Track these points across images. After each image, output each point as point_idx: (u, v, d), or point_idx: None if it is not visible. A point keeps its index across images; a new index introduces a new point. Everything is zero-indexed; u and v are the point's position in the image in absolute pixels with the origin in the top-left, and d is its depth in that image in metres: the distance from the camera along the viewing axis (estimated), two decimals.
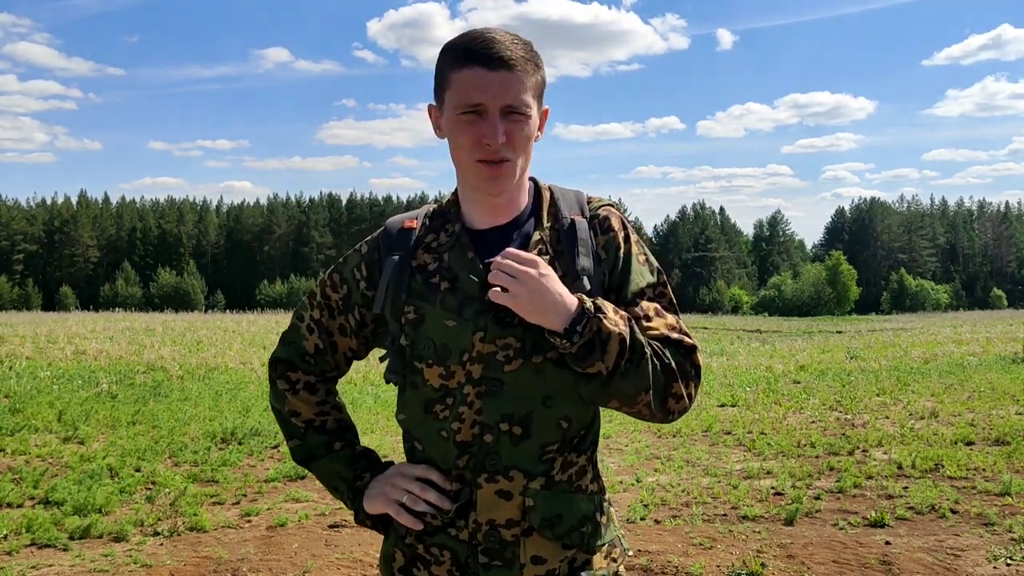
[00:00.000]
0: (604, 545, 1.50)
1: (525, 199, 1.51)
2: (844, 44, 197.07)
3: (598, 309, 1.34)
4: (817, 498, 5.62)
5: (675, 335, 1.44)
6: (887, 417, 9.01)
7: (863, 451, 7.20)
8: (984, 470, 6.28)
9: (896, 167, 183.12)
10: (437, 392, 1.44)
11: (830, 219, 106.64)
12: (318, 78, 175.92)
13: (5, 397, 9.99)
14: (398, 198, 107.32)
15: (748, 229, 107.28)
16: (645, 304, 1.45)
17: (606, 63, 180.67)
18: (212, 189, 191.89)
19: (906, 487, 5.85)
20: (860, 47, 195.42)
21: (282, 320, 36.22)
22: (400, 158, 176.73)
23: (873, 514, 5.13)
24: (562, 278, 1.39)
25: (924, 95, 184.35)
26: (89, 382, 11.59)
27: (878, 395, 10.78)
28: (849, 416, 9.19)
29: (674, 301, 1.52)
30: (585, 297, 1.35)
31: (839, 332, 32.39)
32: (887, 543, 4.66)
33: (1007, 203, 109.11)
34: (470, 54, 1.37)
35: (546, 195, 1.53)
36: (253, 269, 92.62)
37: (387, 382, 1.53)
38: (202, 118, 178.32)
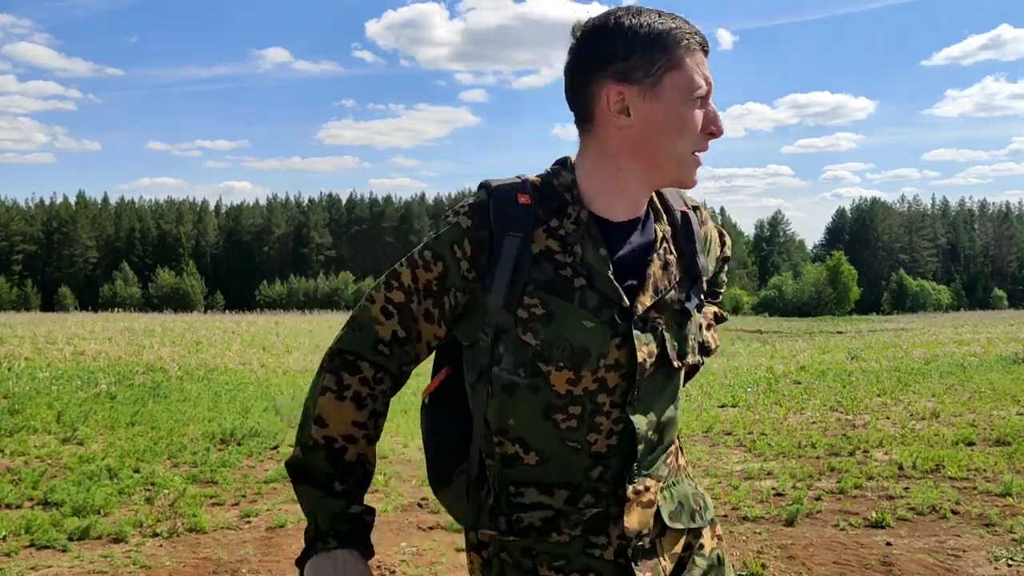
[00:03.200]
0: (712, 521, 1.49)
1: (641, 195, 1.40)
2: (844, 44, 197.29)
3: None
4: (818, 499, 5.61)
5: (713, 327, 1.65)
6: (888, 418, 9.00)
7: (864, 452, 7.19)
8: (985, 471, 6.27)
9: (896, 167, 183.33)
10: (561, 399, 1.29)
11: (831, 219, 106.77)
12: (317, 78, 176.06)
13: (4, 398, 9.98)
14: (399, 198, 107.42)
15: (748, 229, 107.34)
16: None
17: None
18: (211, 189, 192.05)
19: (907, 488, 5.84)
20: (860, 47, 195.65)
21: (282, 320, 36.19)
22: (400, 158, 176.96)
23: (874, 515, 5.12)
24: (681, 279, 1.36)
25: (924, 95, 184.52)
26: (88, 383, 11.58)
27: (879, 396, 10.77)
28: (850, 417, 9.18)
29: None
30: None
31: (840, 332, 32.39)
32: (888, 544, 4.64)
33: (1008, 203, 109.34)
34: (698, 39, 1.30)
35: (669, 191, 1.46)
36: (252, 270, 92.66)
37: (498, 385, 1.30)
38: (201, 118, 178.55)
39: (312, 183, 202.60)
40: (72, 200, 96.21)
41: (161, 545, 4.70)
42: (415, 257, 1.34)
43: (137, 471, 6.37)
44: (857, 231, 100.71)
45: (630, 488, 1.32)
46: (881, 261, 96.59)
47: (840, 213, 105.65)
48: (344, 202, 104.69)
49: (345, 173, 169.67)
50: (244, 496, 5.79)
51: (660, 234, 1.38)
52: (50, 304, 73.05)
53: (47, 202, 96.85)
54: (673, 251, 1.39)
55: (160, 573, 4.27)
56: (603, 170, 1.34)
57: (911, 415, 9.11)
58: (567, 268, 1.30)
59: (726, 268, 1.71)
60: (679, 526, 1.39)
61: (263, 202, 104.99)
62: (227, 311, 60.62)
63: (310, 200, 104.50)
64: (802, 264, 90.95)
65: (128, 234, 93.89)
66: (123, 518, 5.10)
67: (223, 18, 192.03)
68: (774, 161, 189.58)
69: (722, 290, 1.73)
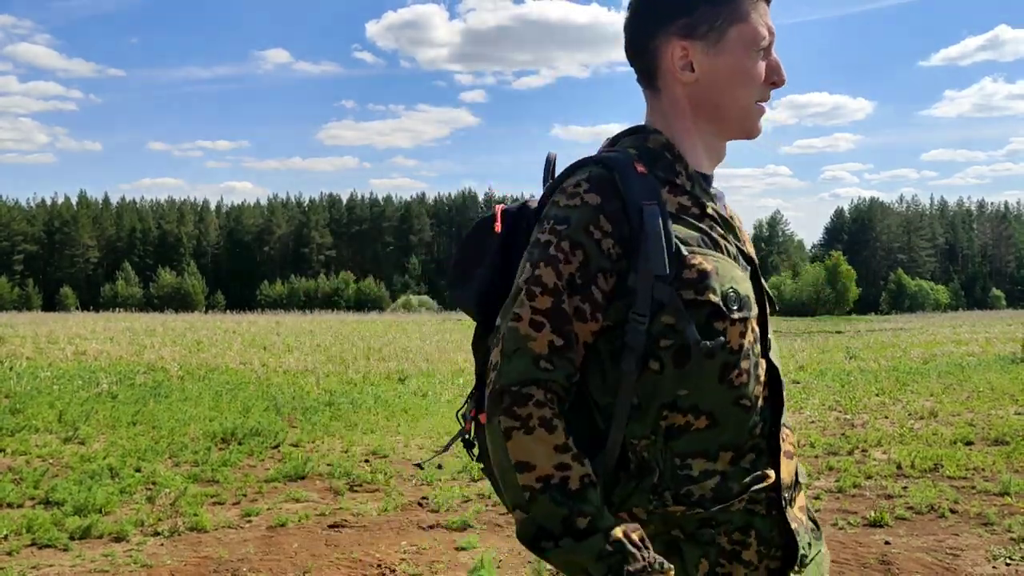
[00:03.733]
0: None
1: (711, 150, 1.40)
2: (842, 45, 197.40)
3: None
4: (816, 498, 5.63)
5: None
6: (886, 417, 9.02)
7: (862, 451, 7.21)
8: (983, 470, 6.29)
9: (895, 167, 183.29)
10: (734, 355, 1.23)
11: (829, 219, 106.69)
12: (318, 79, 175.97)
13: (5, 397, 10.00)
14: (399, 198, 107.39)
15: (747, 229, 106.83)
16: None
17: (605, 64, 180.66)
18: (212, 190, 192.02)
19: (905, 487, 5.85)
20: (858, 48, 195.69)
21: (283, 320, 36.12)
22: (400, 158, 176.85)
23: (872, 514, 5.14)
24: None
25: (922, 96, 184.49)
26: (89, 382, 11.59)
27: (877, 395, 10.78)
28: (848, 416, 9.20)
29: None
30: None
31: (838, 332, 32.38)
32: (886, 543, 4.66)
33: (1006, 203, 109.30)
34: None
35: None
36: (253, 269, 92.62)
37: (668, 357, 1.20)
38: (202, 119, 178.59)
39: (312, 183, 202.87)
40: (73, 200, 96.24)
41: (162, 544, 4.72)
42: (550, 253, 1.21)
43: (138, 470, 6.39)
44: (856, 231, 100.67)
45: (776, 439, 1.30)
46: (879, 261, 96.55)
47: (839, 213, 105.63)
48: (344, 202, 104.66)
49: (345, 173, 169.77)
50: (245, 495, 5.81)
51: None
52: (51, 304, 73.01)
53: (48, 202, 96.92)
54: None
55: (161, 572, 4.28)
56: (677, 126, 1.32)
57: (909, 415, 9.13)
58: (704, 220, 1.28)
59: None
60: (803, 480, 1.39)
61: (264, 202, 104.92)
62: (228, 311, 60.60)
63: (311, 200, 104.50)
64: (801, 264, 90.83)
65: (129, 234, 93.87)
66: (124, 517, 5.12)
67: (224, 19, 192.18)
68: (773, 161, 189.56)
69: None
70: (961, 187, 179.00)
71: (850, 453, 7.13)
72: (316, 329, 28.31)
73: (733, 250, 1.30)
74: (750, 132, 1.35)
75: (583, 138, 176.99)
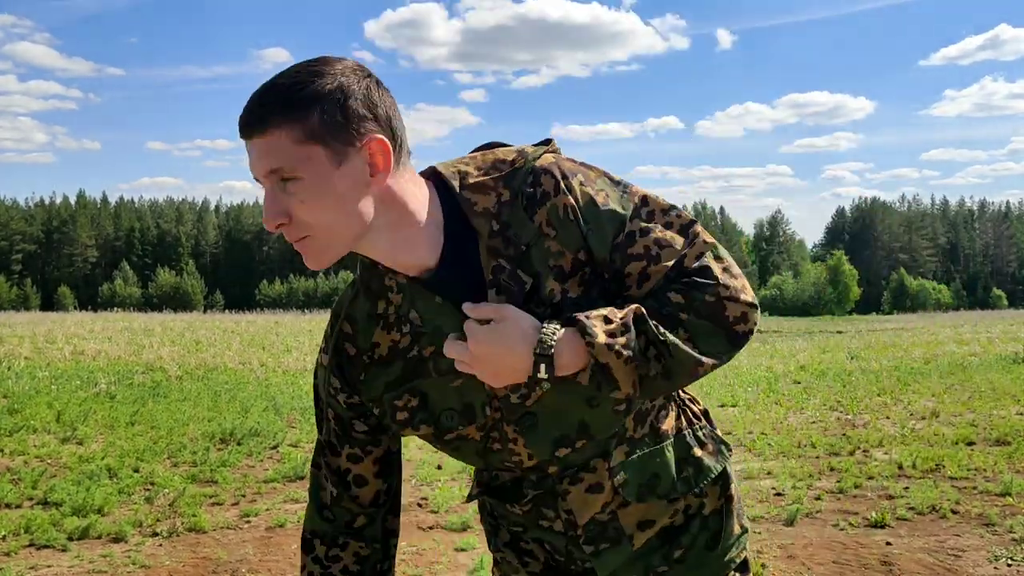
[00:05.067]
0: (716, 484, 1.41)
1: (429, 232, 1.22)
2: (842, 44, 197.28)
3: (552, 344, 1.14)
4: (818, 498, 5.61)
5: (681, 279, 1.19)
6: (888, 417, 9.00)
7: (864, 451, 7.19)
8: (985, 470, 6.27)
9: (895, 167, 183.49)
10: (482, 440, 1.30)
11: (830, 219, 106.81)
12: None
13: (3, 397, 9.98)
14: None
15: (748, 229, 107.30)
16: (635, 252, 1.20)
17: (605, 63, 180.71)
18: (211, 189, 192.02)
19: (907, 487, 5.83)
20: (858, 47, 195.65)
21: (282, 320, 36.12)
22: None
23: (874, 514, 5.12)
24: (526, 301, 1.20)
25: (922, 95, 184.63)
26: (87, 382, 11.58)
27: (879, 395, 10.77)
28: (850, 416, 9.18)
29: (670, 215, 1.25)
30: (544, 331, 1.15)
31: (839, 332, 32.41)
32: (888, 543, 4.64)
33: (1008, 203, 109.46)
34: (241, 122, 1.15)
35: (466, 195, 1.23)
36: (252, 269, 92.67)
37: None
38: (201, 118, 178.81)
39: None
40: (72, 199, 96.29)
41: (161, 545, 4.70)
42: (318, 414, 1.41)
43: (137, 471, 6.37)
44: (857, 231, 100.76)
45: (565, 482, 1.33)
46: (881, 261, 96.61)
47: (840, 213, 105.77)
48: None
49: None
50: (244, 496, 5.79)
51: (490, 261, 1.26)
52: (49, 303, 73.06)
53: (47, 201, 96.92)
54: (507, 268, 1.25)
55: (160, 573, 4.26)
56: None
57: (911, 415, 9.11)
58: (413, 347, 1.26)
59: (617, 206, 1.26)
60: (652, 500, 1.34)
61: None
62: (227, 310, 60.64)
63: None
64: (802, 264, 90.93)
65: (128, 233, 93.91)
66: (123, 518, 5.10)
67: (223, 18, 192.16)
68: (773, 161, 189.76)
69: (621, 234, 1.26)
70: (962, 187, 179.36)
71: (851, 453, 7.11)
72: (315, 329, 28.30)
73: (444, 364, 1.23)
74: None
75: (582, 137, 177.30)
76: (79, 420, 8.40)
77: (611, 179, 1.28)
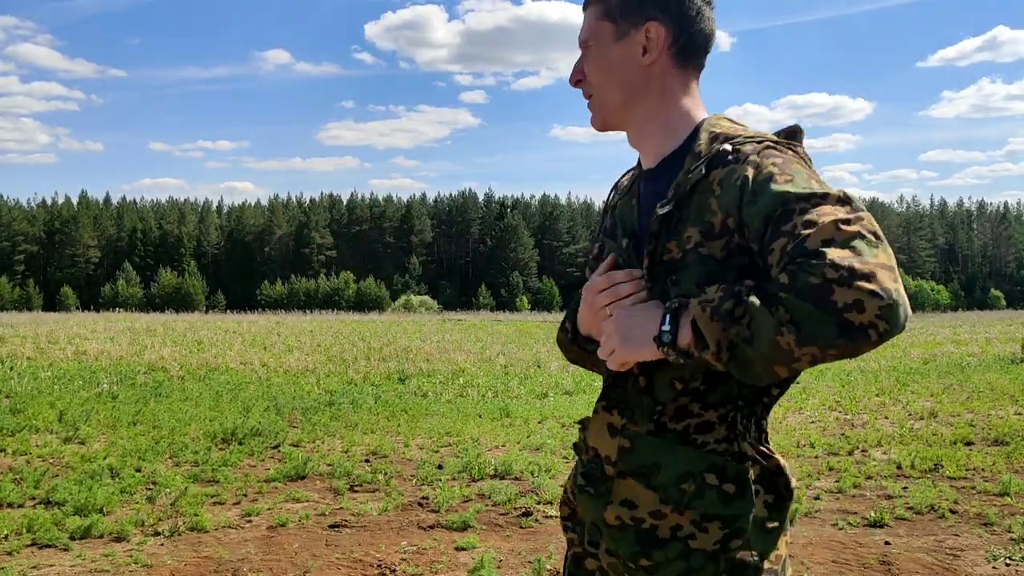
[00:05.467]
0: (712, 516, 1.31)
1: (664, 140, 1.42)
2: (840, 46, 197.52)
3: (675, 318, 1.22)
4: (816, 498, 5.63)
5: (796, 259, 1.13)
6: (886, 417, 9.02)
7: (862, 451, 7.21)
8: (983, 470, 6.29)
9: (894, 168, 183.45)
10: None
11: None
12: (318, 80, 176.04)
13: (6, 397, 10.01)
14: (399, 198, 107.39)
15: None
16: (785, 229, 1.17)
17: None
18: (213, 190, 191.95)
19: (905, 487, 5.85)
20: (856, 49, 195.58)
21: (283, 320, 36.11)
22: (400, 159, 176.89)
23: (872, 514, 5.14)
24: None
25: (920, 97, 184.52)
26: (90, 382, 11.61)
27: (877, 395, 10.78)
28: (848, 416, 9.20)
29: (840, 205, 1.18)
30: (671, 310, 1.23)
31: None
32: (886, 543, 4.66)
33: (1006, 203, 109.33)
34: None
35: (702, 136, 1.37)
36: (254, 270, 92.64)
37: None
38: (203, 119, 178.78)
39: (312, 183, 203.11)
40: (74, 200, 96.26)
41: (163, 544, 4.72)
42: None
43: (139, 470, 6.39)
44: None
45: (602, 403, 1.50)
46: None
47: None
48: (345, 202, 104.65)
49: (345, 174, 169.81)
50: (245, 495, 5.81)
51: (671, 194, 1.40)
52: (52, 304, 73.07)
53: (49, 202, 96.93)
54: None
55: (162, 572, 4.28)
56: None
57: (909, 415, 9.13)
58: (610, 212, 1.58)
59: (788, 185, 1.24)
60: (644, 484, 1.43)
61: (264, 202, 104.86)
62: (228, 311, 60.68)
63: (311, 200, 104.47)
64: None
65: (130, 234, 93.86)
66: (125, 517, 5.12)
67: (225, 20, 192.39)
68: None
69: (773, 212, 1.25)
70: (960, 187, 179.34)
71: (850, 453, 7.13)
72: (316, 329, 28.32)
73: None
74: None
75: (583, 139, 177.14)
76: (81, 420, 8.43)
77: (809, 172, 1.27)
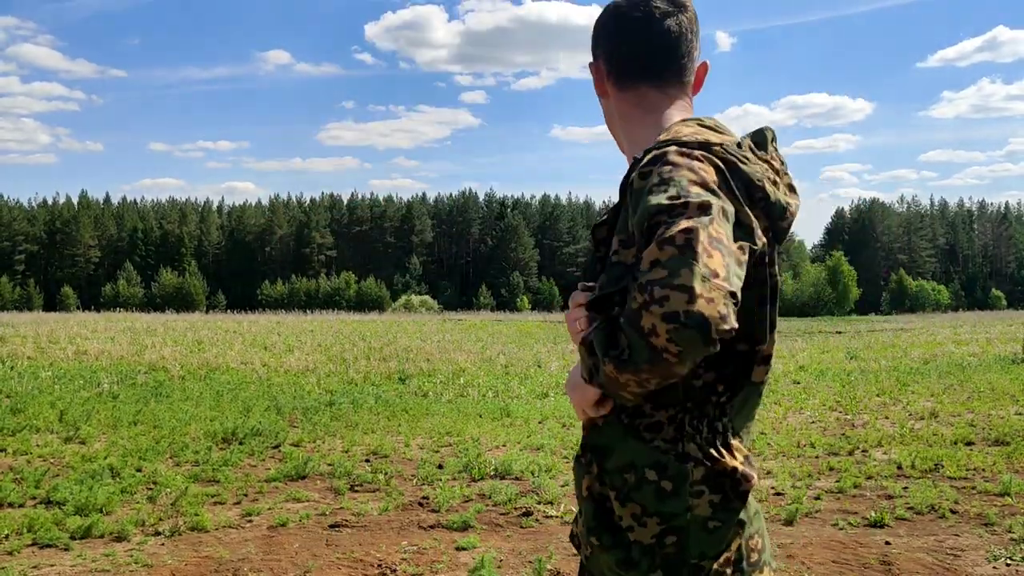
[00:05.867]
0: (652, 512, 1.34)
1: (631, 151, 1.53)
2: (840, 46, 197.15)
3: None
4: (817, 498, 5.63)
5: (636, 280, 1.17)
6: (887, 417, 9.02)
7: (863, 451, 7.21)
8: (984, 470, 6.29)
9: (894, 168, 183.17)
10: None
11: (830, 220, 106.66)
12: (318, 80, 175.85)
13: (7, 397, 10.01)
14: (399, 198, 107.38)
15: None
16: (647, 245, 1.20)
17: None
18: (213, 190, 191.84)
19: (906, 487, 5.85)
20: (856, 49, 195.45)
21: (283, 320, 36.08)
22: (401, 159, 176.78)
23: (873, 514, 5.14)
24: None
25: (920, 97, 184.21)
26: (90, 382, 11.61)
27: (878, 395, 10.78)
28: (849, 416, 9.20)
29: (688, 217, 1.18)
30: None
31: (839, 332, 32.36)
32: (887, 543, 4.66)
33: (1007, 203, 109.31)
34: None
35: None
36: (254, 269, 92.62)
37: None
38: (203, 119, 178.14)
39: (313, 184, 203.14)
40: (75, 200, 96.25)
41: (163, 544, 4.72)
42: None
43: (139, 470, 6.39)
44: (856, 231, 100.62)
45: None
46: (880, 262, 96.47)
47: (839, 214, 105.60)
48: (345, 202, 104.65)
49: (346, 174, 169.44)
50: (246, 495, 5.81)
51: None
52: (52, 304, 73.02)
53: (50, 202, 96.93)
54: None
55: (162, 572, 4.29)
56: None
57: (910, 415, 9.13)
58: None
59: (659, 197, 1.25)
60: (594, 466, 1.52)
61: (265, 202, 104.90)
62: (229, 311, 60.66)
63: (312, 200, 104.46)
64: (801, 264, 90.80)
65: (131, 234, 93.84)
66: (125, 517, 5.12)
67: (225, 20, 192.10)
68: None
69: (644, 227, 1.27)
70: (961, 187, 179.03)
71: (850, 453, 7.13)
72: (317, 329, 28.32)
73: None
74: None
75: (583, 139, 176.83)
76: (82, 420, 8.43)
77: (697, 178, 1.26)
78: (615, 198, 1.46)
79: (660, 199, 1.22)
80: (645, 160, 1.32)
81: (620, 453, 1.38)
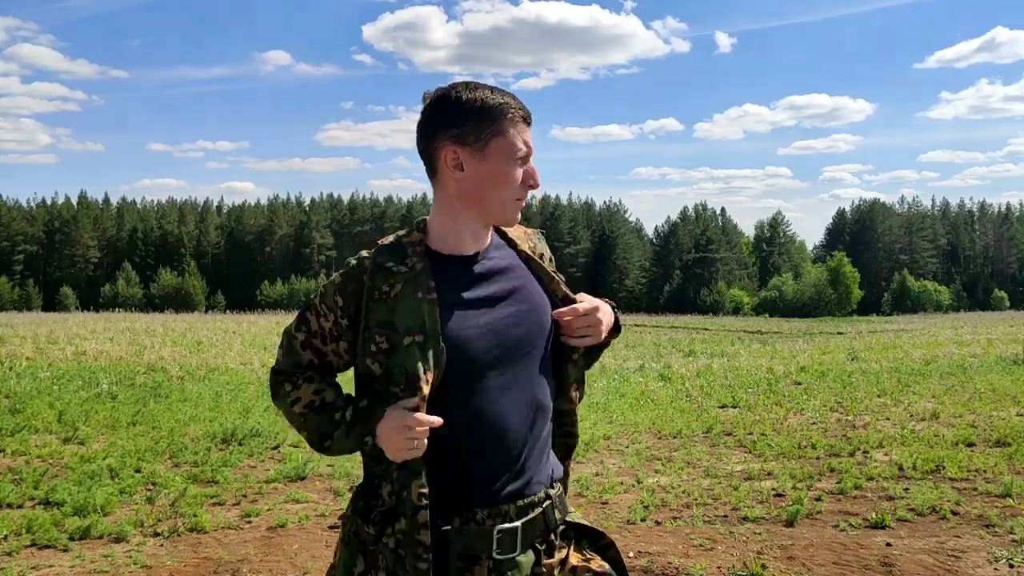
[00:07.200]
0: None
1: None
2: (840, 47, 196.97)
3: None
4: (818, 499, 5.62)
5: None
6: (888, 418, 9.00)
7: (864, 452, 7.19)
8: (985, 471, 6.27)
9: (894, 168, 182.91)
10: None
11: (831, 220, 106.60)
12: (318, 80, 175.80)
13: (5, 397, 9.99)
14: (399, 199, 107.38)
15: (749, 230, 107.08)
16: None
17: (605, 66, 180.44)
18: (213, 190, 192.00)
19: (907, 488, 5.84)
20: (856, 49, 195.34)
21: (283, 321, 36.16)
22: (401, 159, 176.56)
23: (874, 515, 5.13)
24: (551, 281, 1.79)
25: (919, 98, 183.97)
26: (89, 383, 11.59)
27: (879, 396, 10.76)
28: (850, 417, 9.18)
29: None
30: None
31: (840, 333, 32.37)
32: (888, 544, 4.65)
33: (1008, 204, 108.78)
34: (522, 112, 1.65)
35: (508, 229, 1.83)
36: (254, 270, 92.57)
37: None
38: (203, 120, 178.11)
39: (313, 184, 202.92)
40: (74, 200, 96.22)
41: (162, 545, 4.71)
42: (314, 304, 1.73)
43: (138, 471, 6.38)
44: (857, 232, 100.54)
45: None
46: (881, 262, 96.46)
47: (840, 214, 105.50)
48: (346, 203, 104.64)
49: (346, 174, 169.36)
50: (245, 496, 5.80)
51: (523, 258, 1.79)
52: (51, 304, 73.02)
53: (48, 202, 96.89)
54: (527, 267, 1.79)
55: (161, 573, 4.27)
56: (447, 213, 1.69)
57: (911, 416, 9.11)
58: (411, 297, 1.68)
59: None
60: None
61: (265, 202, 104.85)
62: (228, 311, 60.67)
63: (312, 200, 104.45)
64: (802, 265, 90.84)
65: (130, 234, 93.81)
66: (124, 518, 5.11)
67: (225, 21, 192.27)
68: (772, 163, 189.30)
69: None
70: (961, 188, 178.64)
71: (851, 454, 7.11)
72: None
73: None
74: (508, 222, 1.72)
75: (582, 139, 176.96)
76: (81, 420, 8.42)
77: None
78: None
79: None
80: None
81: None
